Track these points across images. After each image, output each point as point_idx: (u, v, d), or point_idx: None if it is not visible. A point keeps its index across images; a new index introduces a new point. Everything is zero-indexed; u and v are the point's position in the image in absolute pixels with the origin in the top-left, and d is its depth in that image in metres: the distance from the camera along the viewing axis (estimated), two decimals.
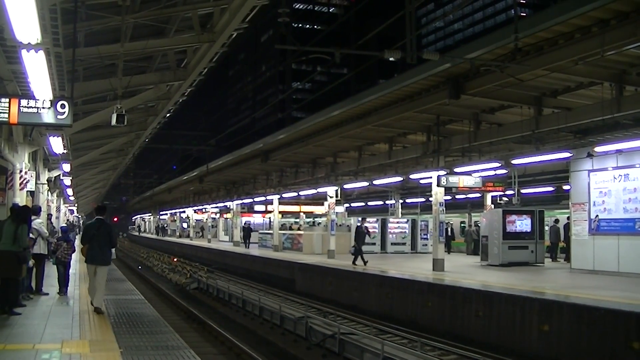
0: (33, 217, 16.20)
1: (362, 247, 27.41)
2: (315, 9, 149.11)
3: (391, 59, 14.55)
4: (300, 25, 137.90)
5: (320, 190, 34.73)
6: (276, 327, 21.10)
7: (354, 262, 26.82)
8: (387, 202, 45.66)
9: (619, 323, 13.19)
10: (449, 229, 35.00)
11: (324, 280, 26.91)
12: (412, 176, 27.11)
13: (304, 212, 55.14)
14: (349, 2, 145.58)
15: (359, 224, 29.13)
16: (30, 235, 15.43)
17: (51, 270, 17.73)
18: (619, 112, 16.84)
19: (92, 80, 21.70)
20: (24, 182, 20.22)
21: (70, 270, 17.76)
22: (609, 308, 13.72)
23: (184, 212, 77.82)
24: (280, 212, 45.63)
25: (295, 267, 30.56)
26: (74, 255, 17.53)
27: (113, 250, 14.15)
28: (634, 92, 17.48)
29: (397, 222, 39.38)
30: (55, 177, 32.74)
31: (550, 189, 37.35)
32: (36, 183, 24.09)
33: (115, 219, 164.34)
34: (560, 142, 21.97)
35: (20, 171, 20.11)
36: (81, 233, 16.53)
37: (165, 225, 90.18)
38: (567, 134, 21.25)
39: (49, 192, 33.82)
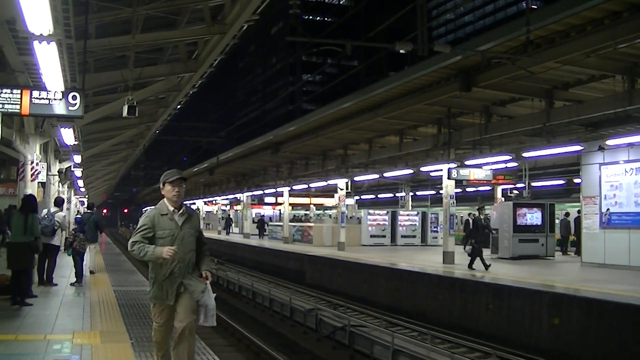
0: (55, 209, 16.33)
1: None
2: (326, 1, 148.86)
3: (402, 51, 14.53)
4: (310, 17, 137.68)
5: (331, 182, 34.74)
6: (286, 319, 21.14)
7: (470, 266, 21.70)
8: (397, 194, 45.66)
9: (629, 317, 13.17)
10: (470, 222, 34.02)
11: (333, 272, 26.92)
12: (423, 169, 27.10)
13: (314, 204, 55.26)
14: None
15: (475, 215, 23.98)
16: (54, 227, 15.62)
17: (62, 262, 17.79)
18: (630, 105, 16.75)
19: (103, 71, 21.73)
20: (35, 173, 20.29)
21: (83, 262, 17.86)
22: (619, 302, 13.70)
23: (194, 203, 77.96)
24: (290, 204, 45.70)
25: (305, 259, 30.58)
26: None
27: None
28: None
29: (408, 215, 39.41)
30: (66, 168, 32.82)
31: (561, 182, 37.28)
32: (47, 174, 24.15)
33: (126, 211, 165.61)
34: (571, 135, 21.89)
35: (32, 162, 20.17)
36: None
37: None
38: (578, 127, 21.16)
39: (60, 184, 33.94)
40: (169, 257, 6.55)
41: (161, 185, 6.98)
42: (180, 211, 6.96)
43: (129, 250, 6.76)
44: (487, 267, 21.14)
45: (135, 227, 7.10)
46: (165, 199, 6.99)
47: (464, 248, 30.73)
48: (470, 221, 32.26)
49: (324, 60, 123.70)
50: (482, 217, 22.43)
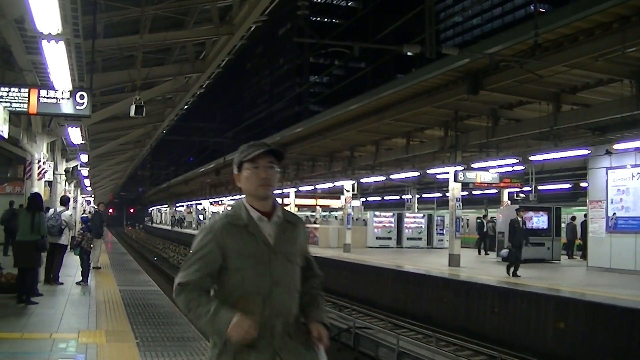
0: (61, 208, 16.35)
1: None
2: (334, 2, 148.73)
3: (410, 53, 14.55)
4: (318, 18, 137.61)
5: (337, 184, 34.73)
6: None
7: (513, 273, 20.01)
8: (403, 196, 45.65)
9: (635, 321, 13.13)
10: (484, 224, 33.04)
11: (339, 274, 26.89)
12: (429, 171, 27.11)
13: (320, 206, 55.23)
14: None
15: (513, 217, 21.71)
16: (61, 226, 15.64)
17: (68, 261, 17.81)
18: (638, 110, 16.69)
19: (111, 71, 21.78)
20: (42, 172, 20.31)
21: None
22: (625, 306, 13.65)
23: (200, 204, 77.96)
24: (296, 205, 45.65)
25: None
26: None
27: None
28: None
29: (414, 217, 39.35)
30: (72, 167, 32.88)
31: (568, 186, 37.22)
32: (54, 173, 24.20)
33: (132, 210, 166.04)
34: (578, 139, 21.87)
35: (39, 161, 20.19)
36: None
37: (182, 217, 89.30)
38: (585, 131, 21.12)
39: (67, 183, 33.99)
40: (240, 338, 3.23)
41: (235, 171, 3.65)
42: (275, 217, 3.57)
43: (175, 297, 3.41)
44: (514, 273, 19.89)
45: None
46: (243, 198, 3.65)
47: (478, 252, 30.54)
48: (485, 224, 32.13)
49: (332, 61, 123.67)
50: (519, 220, 21.48)
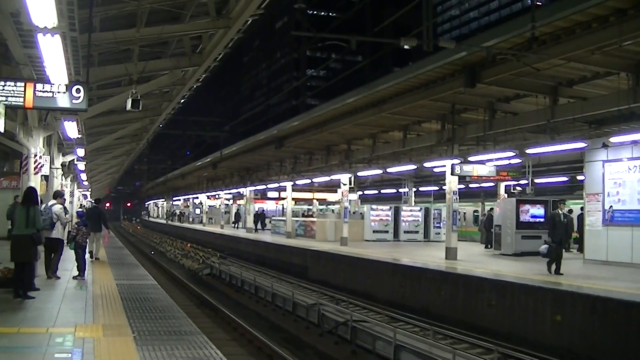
0: (52, 202, 16.31)
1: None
2: None
3: (407, 46, 14.53)
4: (315, 12, 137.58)
5: (334, 177, 34.72)
6: (288, 313, 21.12)
7: (556, 271, 18.82)
8: (400, 190, 45.64)
9: (632, 314, 13.15)
10: (492, 217, 31.94)
11: (336, 268, 26.90)
12: (426, 164, 27.07)
13: (317, 199, 55.26)
14: None
15: (554, 210, 20.63)
16: (53, 219, 15.59)
17: (64, 255, 17.82)
18: (635, 103, 16.72)
19: (107, 65, 21.77)
20: (39, 166, 20.28)
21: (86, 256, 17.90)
22: (622, 299, 13.67)
23: (197, 197, 77.91)
24: (293, 199, 45.66)
25: (308, 254, 30.56)
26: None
27: None
28: None
29: (411, 211, 39.36)
30: (69, 161, 32.87)
31: (565, 179, 37.23)
32: (50, 167, 24.15)
33: (129, 204, 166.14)
34: (575, 132, 21.86)
35: (35, 155, 20.16)
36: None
37: (183, 212, 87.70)
38: (582, 124, 21.12)
39: (63, 177, 33.97)
40: None
41: None
42: None
43: None
44: (557, 271, 18.73)
45: None
46: None
47: (485, 246, 30.35)
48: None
49: (329, 55, 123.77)
50: (561, 212, 20.58)
